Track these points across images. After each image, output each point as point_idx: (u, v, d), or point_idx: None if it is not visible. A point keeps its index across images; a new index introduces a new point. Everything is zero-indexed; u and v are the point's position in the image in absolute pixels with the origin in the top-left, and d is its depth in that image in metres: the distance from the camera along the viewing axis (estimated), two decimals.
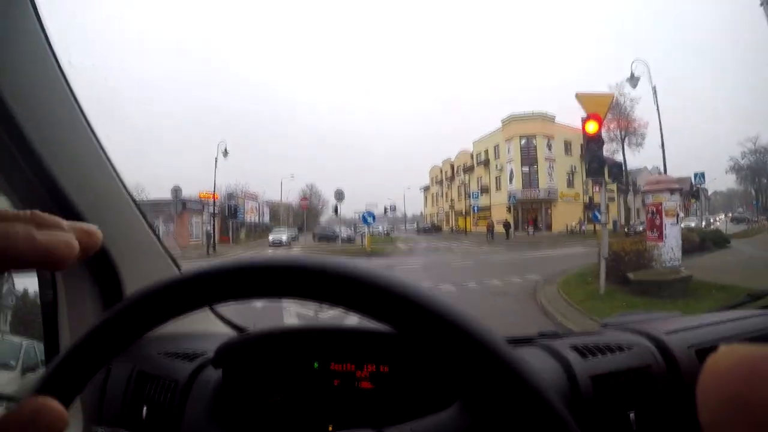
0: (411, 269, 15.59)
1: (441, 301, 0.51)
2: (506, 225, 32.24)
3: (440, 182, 53.14)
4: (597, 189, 12.12)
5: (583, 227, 33.35)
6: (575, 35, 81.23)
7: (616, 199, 32.75)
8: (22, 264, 0.30)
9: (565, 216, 35.15)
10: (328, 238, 30.28)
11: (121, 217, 1.21)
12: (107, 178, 1.16)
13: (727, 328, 1.16)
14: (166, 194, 24.04)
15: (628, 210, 34.73)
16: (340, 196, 27.19)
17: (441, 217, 51.55)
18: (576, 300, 8.88)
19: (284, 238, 28.93)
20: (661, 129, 19.27)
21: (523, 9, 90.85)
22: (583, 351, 1.02)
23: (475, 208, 38.51)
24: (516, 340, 1.23)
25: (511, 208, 36.07)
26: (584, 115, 9.93)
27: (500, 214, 36.15)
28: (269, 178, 76.50)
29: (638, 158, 38.77)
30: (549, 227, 36.10)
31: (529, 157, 38.05)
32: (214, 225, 27.25)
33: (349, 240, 28.83)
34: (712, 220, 30.88)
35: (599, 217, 11.38)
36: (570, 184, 37.05)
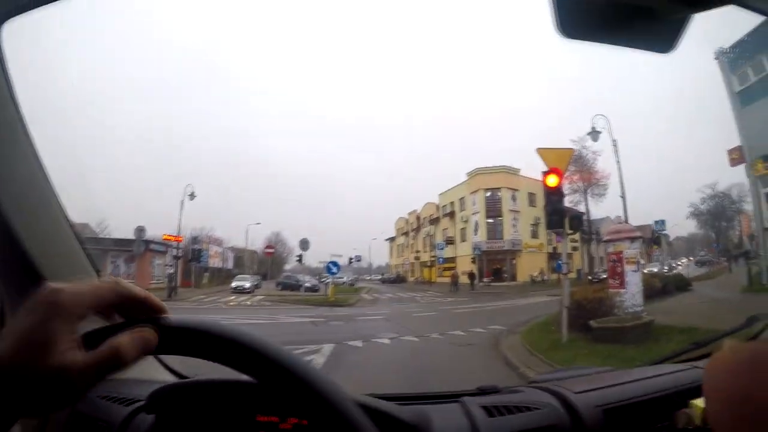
0: (373, 320, 15.49)
1: (290, 356, 0.60)
2: (471, 276, 32.41)
3: (406, 233, 53.35)
4: (559, 240, 12.39)
5: (545, 277, 33.86)
6: (540, 92, 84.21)
7: (579, 248, 33.38)
8: None
9: (530, 266, 35.66)
10: (291, 286, 29.90)
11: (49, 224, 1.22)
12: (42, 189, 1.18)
13: (643, 385, 1.21)
14: (130, 234, 23.71)
15: (591, 258, 35.36)
16: (305, 245, 27.09)
17: (406, 267, 51.51)
18: (539, 349, 8.93)
19: (247, 285, 28.47)
20: (621, 181, 19.84)
21: (488, 68, 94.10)
22: (492, 410, 1.06)
23: (441, 259, 38.73)
24: (441, 395, 1.27)
25: (476, 260, 36.35)
26: (546, 168, 10.26)
27: (465, 265, 36.35)
28: (235, 224, 75.71)
29: (601, 208, 39.75)
30: (514, 277, 36.37)
31: (494, 209, 38.64)
32: (177, 268, 26.68)
33: (313, 289, 28.51)
34: (674, 265, 31.61)
35: (562, 267, 11.60)
36: (534, 234, 37.62)
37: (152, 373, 1.33)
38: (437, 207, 45.88)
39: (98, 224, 27.84)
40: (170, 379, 1.36)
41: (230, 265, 40.76)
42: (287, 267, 47.51)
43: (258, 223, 62.18)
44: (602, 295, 11.12)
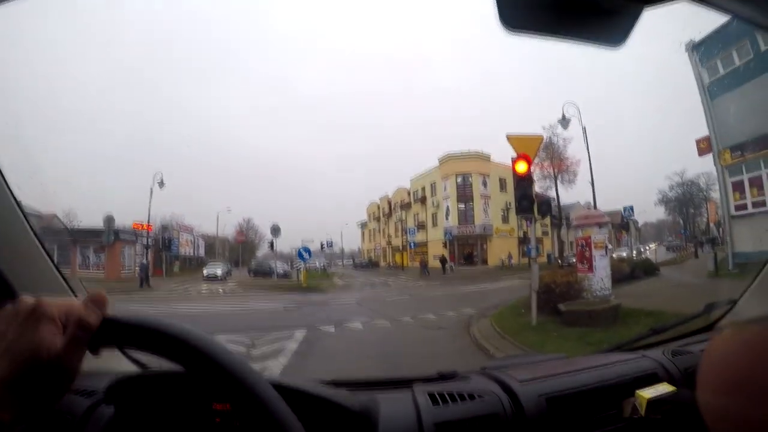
0: (346, 305, 15.54)
1: (215, 346, 0.64)
2: (442, 260, 32.63)
3: (378, 219, 53.24)
4: (529, 225, 12.56)
5: (512, 261, 34.31)
6: (511, 78, 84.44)
7: (550, 233, 33.85)
8: None
9: (501, 251, 35.97)
10: (263, 273, 29.68)
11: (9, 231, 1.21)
12: None
13: (592, 374, 1.25)
14: (99, 222, 23.28)
15: (562, 243, 35.84)
16: (276, 231, 26.89)
17: (378, 252, 51.49)
18: (509, 332, 9.06)
19: (219, 272, 28.22)
20: (591, 168, 20.14)
21: (460, 54, 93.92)
22: (438, 398, 1.10)
23: (412, 244, 38.85)
24: (396, 381, 1.30)
25: (447, 244, 36.58)
26: (516, 155, 10.36)
27: (437, 249, 36.58)
28: (205, 211, 74.54)
29: (571, 194, 40.25)
30: (485, 262, 36.68)
31: (465, 194, 38.74)
32: (146, 257, 26.26)
33: (286, 275, 28.38)
34: (642, 250, 32.25)
35: (532, 251, 11.76)
36: (505, 219, 37.89)
37: (113, 364, 1.33)
38: (409, 192, 45.80)
39: (66, 214, 27.11)
40: (131, 369, 1.36)
41: (201, 252, 40.27)
42: (259, 253, 47.12)
43: (229, 210, 61.22)
44: (571, 279, 11.33)
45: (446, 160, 39.68)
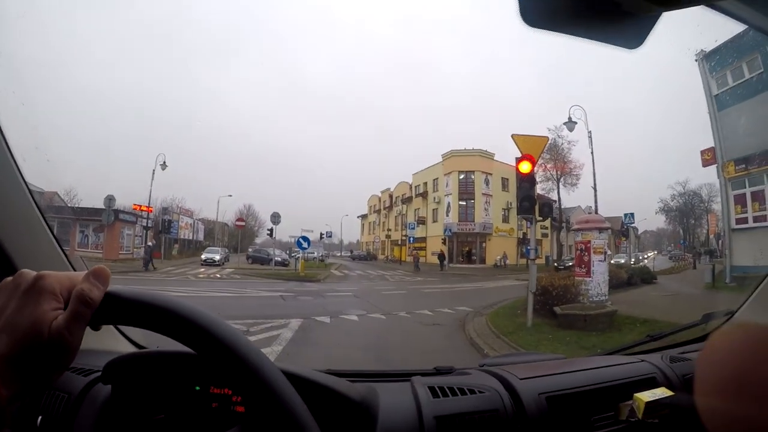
0: (342, 296, 15.55)
1: (226, 328, 0.63)
2: (440, 256, 32.63)
3: (378, 211, 53.29)
4: (529, 226, 12.57)
5: (506, 261, 34.34)
6: (520, 80, 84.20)
7: (549, 235, 33.86)
8: None
9: (499, 250, 36.10)
10: (261, 260, 29.67)
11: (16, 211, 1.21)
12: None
13: (590, 375, 1.25)
14: (99, 203, 23.16)
15: (560, 246, 35.93)
16: (276, 218, 26.85)
17: (377, 245, 51.55)
18: (504, 332, 9.08)
19: (217, 257, 28.19)
20: (594, 172, 20.13)
21: (470, 50, 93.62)
22: (438, 391, 1.10)
23: (411, 238, 38.89)
24: (395, 374, 1.30)
25: (447, 241, 36.61)
26: (520, 155, 10.34)
27: (436, 245, 36.64)
28: (206, 196, 74.62)
29: (573, 197, 40.30)
30: (483, 260, 36.80)
31: (466, 191, 38.74)
32: (146, 239, 26.32)
33: (283, 264, 28.38)
34: (641, 257, 32.31)
35: (531, 252, 11.77)
36: (505, 219, 37.91)
37: (111, 343, 1.34)
38: (410, 186, 45.81)
39: (67, 192, 27.09)
40: (129, 349, 1.36)
41: (200, 236, 40.27)
42: (258, 240, 47.15)
43: (230, 195, 61.32)
44: (568, 282, 11.33)
45: (450, 156, 39.65)
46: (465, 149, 39.27)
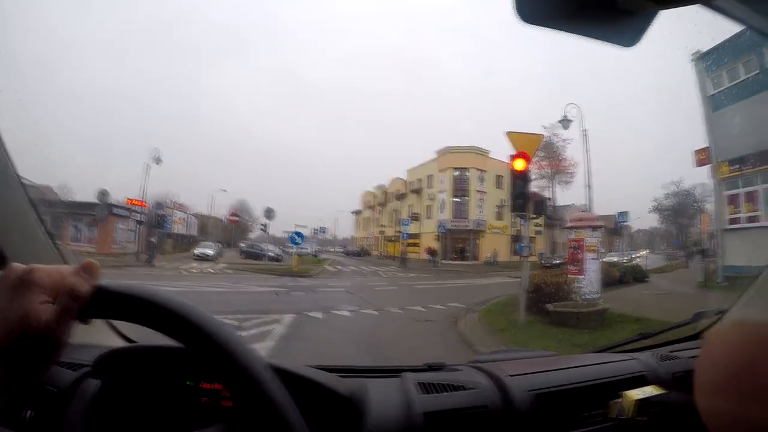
0: (335, 292, 15.56)
1: (215, 323, 0.63)
2: (433, 252, 32.67)
3: (372, 207, 53.33)
4: (522, 223, 12.60)
5: (497, 258, 34.44)
6: (515, 77, 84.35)
7: (543, 232, 33.98)
8: None
9: (493, 247, 36.24)
10: (254, 255, 29.65)
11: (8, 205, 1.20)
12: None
13: (581, 372, 1.25)
14: (93, 197, 23.23)
15: (554, 244, 36.07)
16: (270, 214, 26.81)
17: (371, 241, 51.60)
18: (496, 329, 9.13)
19: (210, 252, 28.19)
20: (588, 171, 20.12)
21: (466, 49, 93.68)
22: (428, 387, 1.10)
23: (405, 235, 38.98)
24: (385, 370, 1.31)
25: (440, 237, 36.67)
26: (514, 152, 10.36)
27: (429, 242, 36.78)
28: (200, 190, 74.61)
29: (567, 195, 40.49)
30: (476, 257, 36.90)
31: (461, 188, 38.81)
32: (139, 234, 26.23)
33: (277, 259, 28.40)
34: (633, 256, 32.47)
35: (524, 250, 11.79)
36: (499, 216, 38.02)
37: (101, 338, 1.33)
38: (405, 183, 45.88)
39: (60, 186, 26.96)
40: (119, 343, 1.35)
41: (194, 231, 40.24)
42: (251, 235, 47.13)
43: (224, 190, 61.46)
44: (560, 280, 11.38)
45: (445, 152, 39.69)
46: (460, 146, 39.31)
